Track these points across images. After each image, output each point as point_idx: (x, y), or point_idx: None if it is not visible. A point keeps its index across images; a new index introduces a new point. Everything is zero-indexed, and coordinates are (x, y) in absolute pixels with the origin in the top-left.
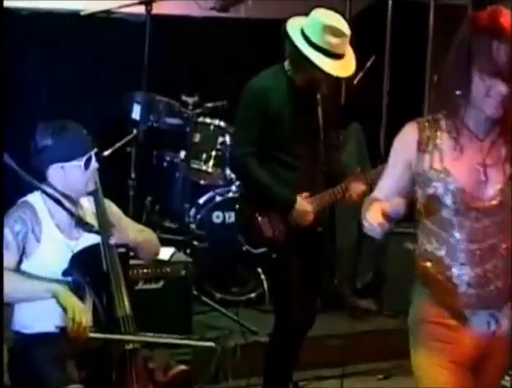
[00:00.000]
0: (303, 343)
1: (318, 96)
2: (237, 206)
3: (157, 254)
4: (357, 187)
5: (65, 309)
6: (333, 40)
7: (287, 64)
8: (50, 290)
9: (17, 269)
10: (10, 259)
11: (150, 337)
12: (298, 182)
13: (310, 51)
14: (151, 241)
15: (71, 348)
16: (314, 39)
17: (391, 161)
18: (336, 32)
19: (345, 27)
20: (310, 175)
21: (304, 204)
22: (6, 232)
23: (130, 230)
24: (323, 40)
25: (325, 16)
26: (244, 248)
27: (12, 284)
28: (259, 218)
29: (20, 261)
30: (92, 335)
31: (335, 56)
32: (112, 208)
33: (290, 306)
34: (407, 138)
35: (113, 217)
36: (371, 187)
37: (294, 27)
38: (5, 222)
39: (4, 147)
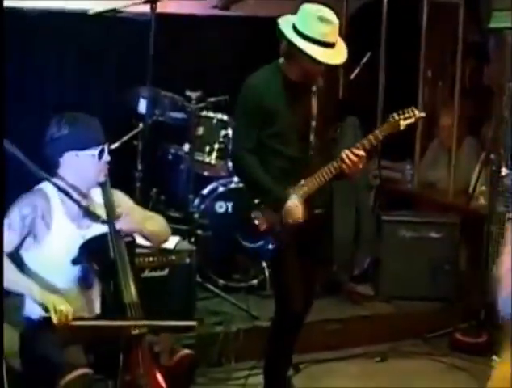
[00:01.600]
0: (303, 328)
1: (313, 90)
2: (233, 202)
3: (167, 238)
4: (354, 155)
5: (43, 305)
6: (324, 29)
7: (281, 60)
8: (29, 288)
9: (15, 252)
10: (11, 240)
11: (131, 322)
12: (293, 174)
13: (302, 42)
14: (161, 227)
15: (80, 333)
16: (305, 30)
17: None
18: (325, 21)
19: (333, 17)
20: (306, 167)
21: (295, 201)
22: (15, 213)
23: (141, 218)
24: (314, 30)
25: (313, 8)
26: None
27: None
28: (253, 213)
29: (20, 245)
30: (74, 323)
31: (327, 44)
32: (122, 199)
33: (289, 294)
34: None
35: (123, 207)
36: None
37: (285, 22)
38: (15, 205)
39: (3, 148)
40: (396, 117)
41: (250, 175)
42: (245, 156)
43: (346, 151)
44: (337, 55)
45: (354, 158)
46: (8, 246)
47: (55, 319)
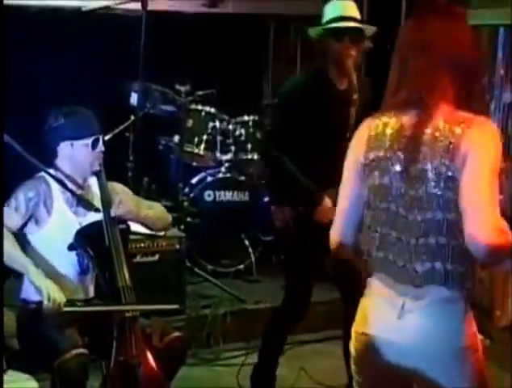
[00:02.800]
0: None
1: (354, 97)
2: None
3: (169, 224)
4: None
5: (38, 289)
6: (341, 6)
7: (321, 65)
8: (26, 267)
9: (19, 231)
10: (15, 220)
11: (118, 307)
12: (327, 179)
13: (329, 26)
14: (161, 215)
15: (75, 315)
16: (329, 16)
17: None
18: (345, 4)
19: (352, 3)
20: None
21: (329, 203)
22: (20, 196)
23: (139, 206)
24: (332, 11)
25: (332, 2)
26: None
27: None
28: (273, 207)
29: (24, 226)
30: (66, 308)
31: (348, 18)
32: (122, 189)
33: (299, 287)
34: None
35: (120, 195)
36: None
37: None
38: (20, 189)
39: (4, 148)
40: None
41: (288, 170)
42: (281, 151)
43: None
44: (363, 27)
45: None
46: (13, 227)
47: (46, 307)
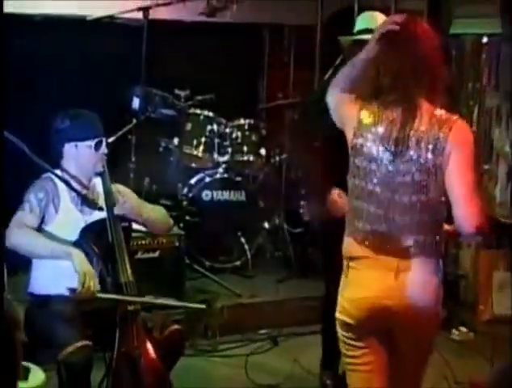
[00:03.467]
0: (283, 304)
1: None
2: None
3: (170, 227)
4: None
5: (77, 273)
6: (368, 18)
7: None
8: (68, 252)
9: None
10: (33, 221)
11: (150, 299)
12: None
13: (355, 37)
14: (162, 217)
15: (80, 309)
16: (358, 28)
17: None
18: (369, 14)
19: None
20: None
21: (335, 197)
22: (32, 198)
23: (143, 210)
24: (363, 23)
25: (363, 14)
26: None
27: (35, 240)
28: (302, 202)
29: (41, 225)
30: (99, 295)
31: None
32: (124, 191)
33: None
34: None
35: (126, 198)
36: None
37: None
38: (30, 190)
39: (4, 148)
40: None
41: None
42: None
43: None
44: None
45: None
46: (34, 226)
47: (79, 293)
